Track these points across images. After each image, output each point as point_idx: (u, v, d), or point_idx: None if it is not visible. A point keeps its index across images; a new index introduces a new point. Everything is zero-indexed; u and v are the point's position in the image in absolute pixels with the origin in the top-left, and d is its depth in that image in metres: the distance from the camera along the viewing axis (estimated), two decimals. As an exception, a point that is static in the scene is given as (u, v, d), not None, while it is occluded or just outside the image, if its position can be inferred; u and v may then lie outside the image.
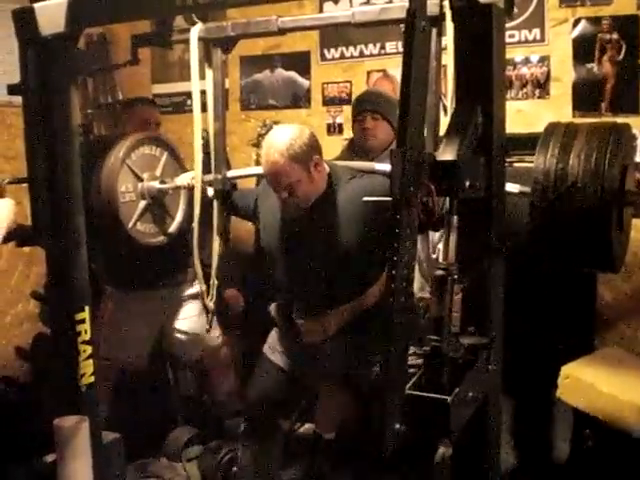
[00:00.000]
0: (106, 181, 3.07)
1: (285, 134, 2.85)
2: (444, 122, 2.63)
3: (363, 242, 2.86)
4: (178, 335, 3.91)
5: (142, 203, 3.21)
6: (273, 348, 3.27)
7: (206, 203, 3.20)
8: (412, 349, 1.78)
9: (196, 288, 3.78)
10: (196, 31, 3.09)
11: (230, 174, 3.26)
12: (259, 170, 3.19)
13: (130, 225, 3.16)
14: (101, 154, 3.12)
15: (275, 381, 3.25)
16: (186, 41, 3.13)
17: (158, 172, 3.27)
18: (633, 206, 2.32)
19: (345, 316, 3.03)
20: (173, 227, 3.40)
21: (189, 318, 3.91)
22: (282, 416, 3.55)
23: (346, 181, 2.96)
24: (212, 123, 3.20)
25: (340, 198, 2.93)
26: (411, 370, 1.76)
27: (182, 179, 3.25)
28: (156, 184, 3.22)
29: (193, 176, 3.19)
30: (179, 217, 3.41)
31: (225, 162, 3.29)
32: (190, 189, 3.22)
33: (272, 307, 3.33)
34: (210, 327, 3.53)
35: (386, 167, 2.88)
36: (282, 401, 3.33)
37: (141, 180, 3.19)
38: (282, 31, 3.02)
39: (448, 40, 2.52)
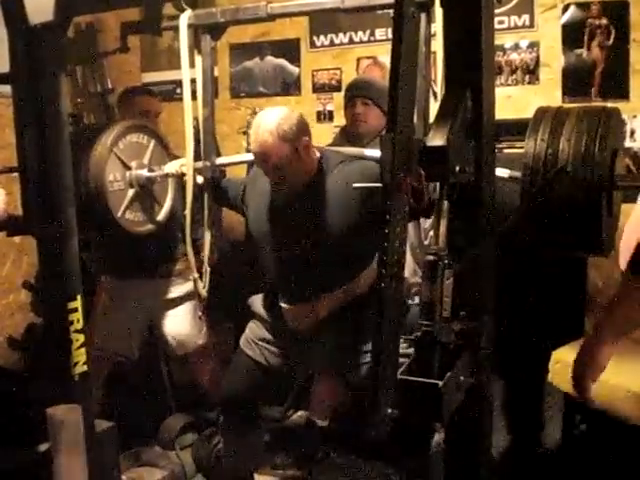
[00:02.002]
0: (94, 170, 3.05)
1: (274, 114, 2.86)
2: (434, 108, 2.65)
3: (353, 226, 2.86)
4: (167, 332, 3.92)
5: (130, 192, 3.19)
6: (251, 342, 3.25)
7: (195, 191, 3.21)
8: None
9: (187, 286, 3.79)
10: (185, 18, 3.08)
11: (220, 161, 3.26)
12: (249, 157, 3.19)
13: (119, 214, 3.15)
14: (89, 143, 3.10)
15: (249, 375, 3.23)
16: (175, 28, 3.12)
17: (146, 160, 3.25)
18: (623, 190, 2.33)
19: (336, 301, 3.02)
20: (162, 215, 3.39)
21: (179, 316, 3.91)
22: (261, 406, 3.54)
23: (336, 165, 2.96)
24: (201, 110, 3.20)
25: (330, 182, 2.93)
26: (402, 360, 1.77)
27: (170, 167, 3.24)
28: (144, 172, 3.21)
29: (182, 163, 3.18)
30: (168, 205, 3.40)
31: (215, 150, 3.29)
32: (179, 177, 3.22)
33: (253, 299, 3.32)
34: (203, 314, 3.54)
35: (376, 153, 2.88)
36: (258, 393, 3.32)
37: (129, 168, 3.18)
38: (271, 17, 3.02)
39: (437, 26, 2.52)
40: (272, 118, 2.84)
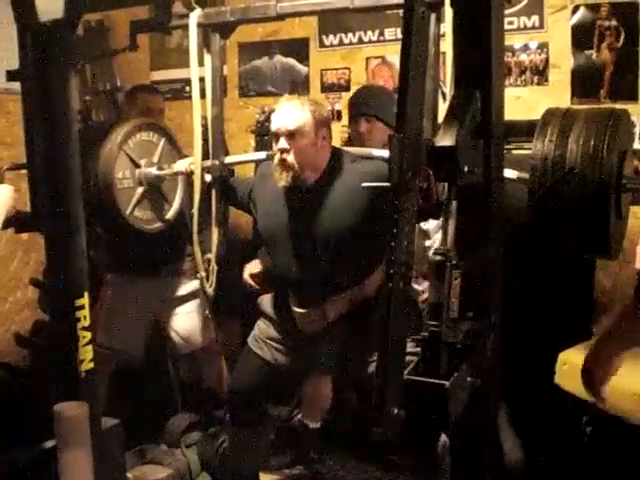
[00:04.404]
0: (103, 168, 3.06)
1: (304, 98, 3.00)
2: (443, 108, 2.64)
3: (366, 225, 2.85)
4: (173, 329, 3.93)
5: (139, 189, 3.20)
6: (259, 340, 3.24)
7: (204, 189, 3.21)
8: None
9: (193, 284, 3.79)
10: (195, 16, 3.09)
11: (228, 160, 3.27)
12: (258, 156, 3.19)
13: (128, 212, 3.15)
14: (98, 141, 3.11)
15: (258, 374, 3.23)
16: (185, 27, 3.13)
17: (155, 158, 3.26)
18: (631, 192, 2.32)
19: (345, 303, 3.02)
20: (171, 213, 3.39)
21: (185, 314, 3.91)
22: (268, 405, 3.53)
23: (348, 164, 2.96)
24: (210, 108, 3.20)
25: (342, 181, 2.93)
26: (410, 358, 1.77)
27: (180, 165, 3.25)
28: (153, 170, 3.22)
29: (191, 162, 3.19)
30: (177, 203, 3.41)
31: (223, 148, 3.29)
32: (188, 175, 3.23)
33: (262, 299, 3.31)
34: (210, 313, 3.54)
35: (384, 153, 2.91)
36: (266, 392, 3.32)
37: (138, 166, 3.19)
38: (281, 16, 3.03)
39: (447, 26, 2.52)
40: (303, 99, 2.95)
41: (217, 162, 3.20)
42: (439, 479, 3.03)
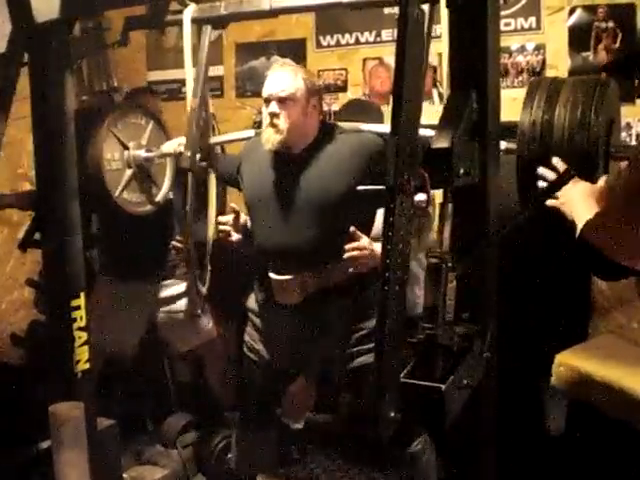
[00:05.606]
0: (92, 149, 3.08)
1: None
2: (440, 109, 2.64)
3: (351, 195, 2.82)
4: (167, 330, 3.92)
5: (128, 172, 3.24)
6: (250, 346, 3.22)
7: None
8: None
9: (184, 285, 3.78)
10: (189, 12, 3.09)
11: (216, 140, 3.25)
12: (246, 134, 3.26)
13: (117, 194, 3.18)
14: (87, 123, 3.11)
15: (259, 378, 3.22)
16: (179, 22, 3.13)
17: (144, 141, 3.30)
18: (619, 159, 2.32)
19: (326, 277, 2.96)
20: (160, 196, 3.43)
21: (178, 313, 3.90)
22: (274, 408, 3.53)
23: (337, 135, 2.96)
24: (190, 100, 3.18)
25: (332, 150, 2.91)
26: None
27: (168, 147, 3.26)
28: (142, 152, 3.25)
29: (179, 143, 3.20)
30: (166, 186, 3.45)
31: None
32: (176, 156, 3.23)
33: (249, 299, 3.28)
34: (202, 312, 3.53)
35: (372, 127, 2.99)
36: (272, 394, 3.31)
37: (127, 148, 3.22)
38: (274, 11, 3.02)
39: (443, 26, 2.52)
40: (296, 66, 2.98)
41: (189, 153, 3.11)
42: (419, 473, 3.02)
